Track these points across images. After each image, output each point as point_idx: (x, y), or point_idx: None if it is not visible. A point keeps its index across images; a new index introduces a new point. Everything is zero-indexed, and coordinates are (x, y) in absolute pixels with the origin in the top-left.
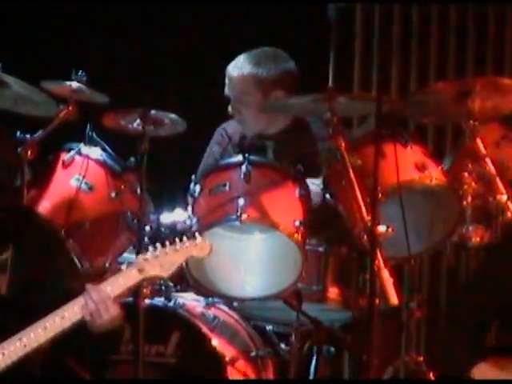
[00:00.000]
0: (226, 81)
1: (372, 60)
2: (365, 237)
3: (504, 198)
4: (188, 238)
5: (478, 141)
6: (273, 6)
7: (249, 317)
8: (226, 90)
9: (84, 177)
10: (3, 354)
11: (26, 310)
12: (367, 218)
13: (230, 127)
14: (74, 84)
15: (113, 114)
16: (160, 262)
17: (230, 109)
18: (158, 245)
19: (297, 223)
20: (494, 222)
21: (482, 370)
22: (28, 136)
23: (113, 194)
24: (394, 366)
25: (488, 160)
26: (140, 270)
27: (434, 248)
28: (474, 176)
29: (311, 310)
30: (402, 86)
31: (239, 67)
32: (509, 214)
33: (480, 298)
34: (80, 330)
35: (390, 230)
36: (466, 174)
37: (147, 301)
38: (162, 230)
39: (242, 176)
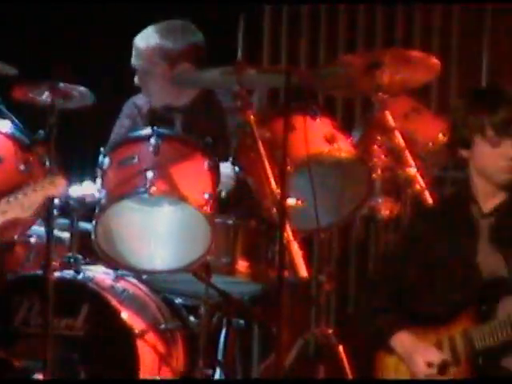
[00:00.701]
0: (133, 52)
1: (281, 33)
2: (274, 209)
3: (413, 170)
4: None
5: (387, 113)
6: None
7: (158, 289)
8: (133, 61)
9: None
10: None
11: None
12: (276, 190)
13: (140, 100)
14: None
15: (21, 87)
16: (20, 203)
17: (136, 80)
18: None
19: (206, 196)
20: (403, 194)
21: (401, 339)
22: None
23: (21, 167)
24: (303, 339)
25: (397, 132)
26: (2, 213)
27: (343, 220)
28: (383, 148)
29: (220, 282)
30: (310, 58)
31: (146, 38)
32: (417, 186)
33: (396, 269)
34: None
35: (299, 202)
36: (375, 146)
37: (56, 274)
38: (71, 202)
39: (151, 149)
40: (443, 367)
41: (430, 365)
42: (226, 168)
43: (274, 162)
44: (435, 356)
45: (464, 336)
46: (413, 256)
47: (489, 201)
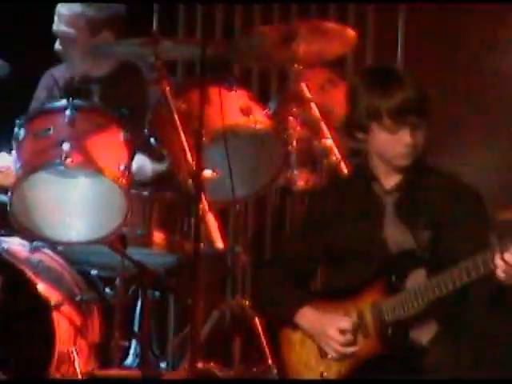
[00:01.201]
0: (56, 18)
1: (196, 4)
2: (190, 181)
3: (329, 141)
4: None
5: (303, 85)
6: None
7: (74, 261)
8: (55, 27)
9: None
10: None
11: None
12: (192, 162)
13: (58, 71)
14: None
15: None
16: None
17: (56, 46)
18: None
19: (122, 167)
20: (319, 165)
21: (306, 315)
22: None
23: None
24: (219, 310)
25: (313, 104)
26: None
27: (259, 192)
28: (299, 120)
29: (136, 254)
30: (226, 29)
31: (69, 5)
32: (333, 157)
33: (305, 244)
34: None
35: (214, 174)
36: (290, 117)
37: None
38: None
39: (67, 120)
40: (358, 328)
41: (343, 332)
42: (144, 161)
43: (190, 133)
44: (345, 322)
45: (373, 309)
46: (318, 232)
47: (389, 179)
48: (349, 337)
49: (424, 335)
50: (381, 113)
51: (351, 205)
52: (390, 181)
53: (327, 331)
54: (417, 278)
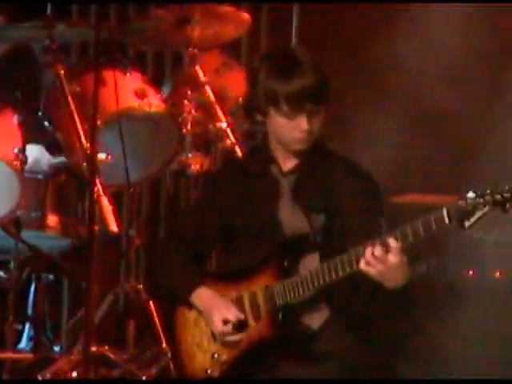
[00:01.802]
0: None
1: None
2: (84, 164)
3: (223, 125)
4: None
5: (198, 68)
6: None
7: None
8: None
9: None
10: None
11: None
12: (86, 145)
13: None
14: None
15: None
16: None
17: None
18: None
19: (15, 150)
20: (214, 149)
21: (200, 295)
22: None
23: None
24: (113, 294)
25: (207, 87)
26: None
27: (153, 175)
28: (194, 103)
29: (30, 237)
30: (120, 12)
31: None
32: (228, 141)
33: (200, 224)
34: None
35: (109, 157)
36: (185, 101)
37: None
38: None
39: None
40: (239, 325)
41: (225, 322)
42: (41, 153)
43: (84, 116)
44: (231, 314)
45: (265, 292)
46: (212, 212)
47: (287, 161)
48: (229, 328)
49: (315, 320)
50: (278, 98)
51: (247, 186)
52: (288, 163)
53: (213, 318)
54: (310, 263)
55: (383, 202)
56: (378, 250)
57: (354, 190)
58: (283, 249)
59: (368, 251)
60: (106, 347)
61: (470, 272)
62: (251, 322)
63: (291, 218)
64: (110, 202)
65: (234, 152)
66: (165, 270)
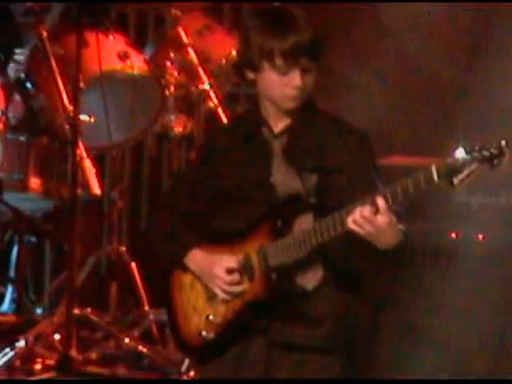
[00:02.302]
0: None
1: None
2: (66, 126)
3: (206, 86)
4: None
5: (180, 30)
6: None
7: None
8: None
9: None
10: None
11: None
12: (69, 107)
13: None
14: None
15: None
16: None
17: None
18: None
19: None
20: (197, 111)
21: (195, 256)
22: None
23: None
24: (95, 256)
25: (190, 49)
26: None
27: (136, 137)
28: (176, 65)
29: (12, 199)
30: None
31: None
32: (211, 103)
33: (195, 185)
34: None
35: (91, 119)
36: (168, 63)
37: None
38: None
39: None
40: (243, 270)
41: (230, 271)
42: None
43: (67, 78)
44: (232, 261)
45: (259, 252)
46: (206, 176)
47: (279, 122)
48: (235, 276)
49: (310, 281)
50: (273, 53)
51: (240, 148)
52: (280, 125)
53: (214, 270)
54: (304, 223)
55: (375, 159)
56: (366, 211)
57: (346, 148)
58: (276, 210)
59: (357, 212)
60: (89, 309)
61: (453, 235)
62: (246, 282)
63: (284, 180)
64: (93, 165)
65: (217, 114)
66: (159, 234)
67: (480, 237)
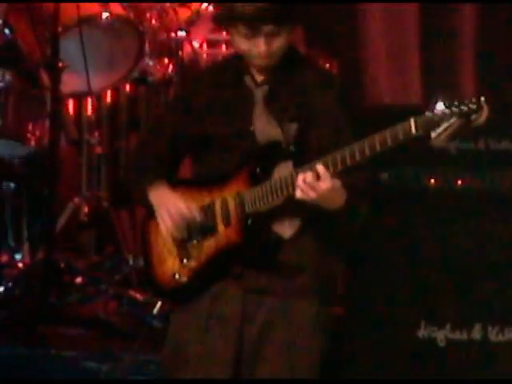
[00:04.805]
0: None
1: None
2: (45, 72)
3: (184, 33)
4: None
5: None
6: None
7: None
8: None
9: None
10: None
11: None
12: (47, 52)
13: None
14: None
15: None
16: None
17: None
18: None
19: None
20: (175, 56)
21: (156, 192)
22: None
23: None
24: (75, 203)
25: None
26: None
27: (114, 83)
28: (155, 11)
29: None
30: None
31: None
32: (189, 48)
33: (167, 131)
34: None
35: (69, 65)
36: (146, 9)
37: None
38: None
39: None
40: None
41: (190, 208)
42: None
43: (45, 24)
44: (183, 208)
45: (236, 198)
46: (186, 120)
47: (261, 72)
48: (180, 223)
49: (286, 230)
50: (236, 20)
51: (222, 96)
52: (262, 74)
53: (162, 211)
54: (284, 171)
55: (355, 107)
56: (309, 177)
57: (326, 99)
58: (255, 156)
59: (300, 178)
60: (67, 255)
61: (432, 180)
62: (221, 227)
63: (265, 128)
64: (73, 110)
65: (196, 60)
66: (132, 169)
67: (459, 182)
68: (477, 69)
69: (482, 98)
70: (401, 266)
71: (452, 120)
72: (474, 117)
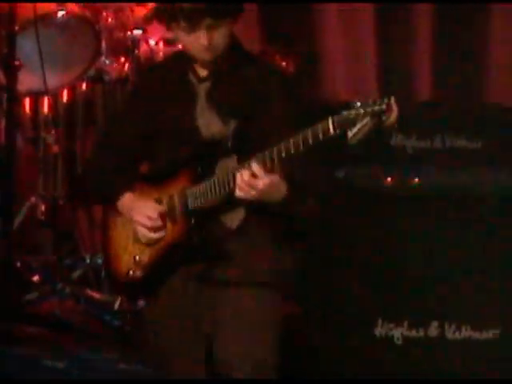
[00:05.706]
0: None
1: None
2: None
3: (140, 31)
4: None
5: None
6: None
7: None
8: None
9: None
10: None
11: None
12: (3, 51)
13: None
14: None
15: None
16: None
17: None
18: None
19: None
20: (131, 55)
21: (124, 201)
22: None
23: None
24: (30, 202)
25: None
26: None
27: (71, 82)
28: (111, 10)
29: None
30: None
31: None
32: (145, 47)
33: (122, 130)
34: None
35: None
36: (102, 7)
37: None
38: None
39: None
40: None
41: (150, 218)
42: None
43: (1, 22)
44: (152, 210)
45: (180, 195)
46: (136, 118)
47: (205, 67)
48: (157, 222)
49: (234, 221)
50: (176, 14)
51: (167, 92)
52: (205, 69)
53: (136, 217)
54: (227, 167)
55: (300, 100)
56: (246, 175)
57: (267, 93)
58: (197, 153)
59: (238, 177)
60: (24, 255)
61: (389, 179)
62: (168, 225)
63: (208, 124)
64: (28, 109)
65: (152, 58)
66: (94, 179)
67: (416, 180)
68: (432, 67)
69: (392, 98)
70: (358, 264)
71: (365, 120)
72: (384, 117)
